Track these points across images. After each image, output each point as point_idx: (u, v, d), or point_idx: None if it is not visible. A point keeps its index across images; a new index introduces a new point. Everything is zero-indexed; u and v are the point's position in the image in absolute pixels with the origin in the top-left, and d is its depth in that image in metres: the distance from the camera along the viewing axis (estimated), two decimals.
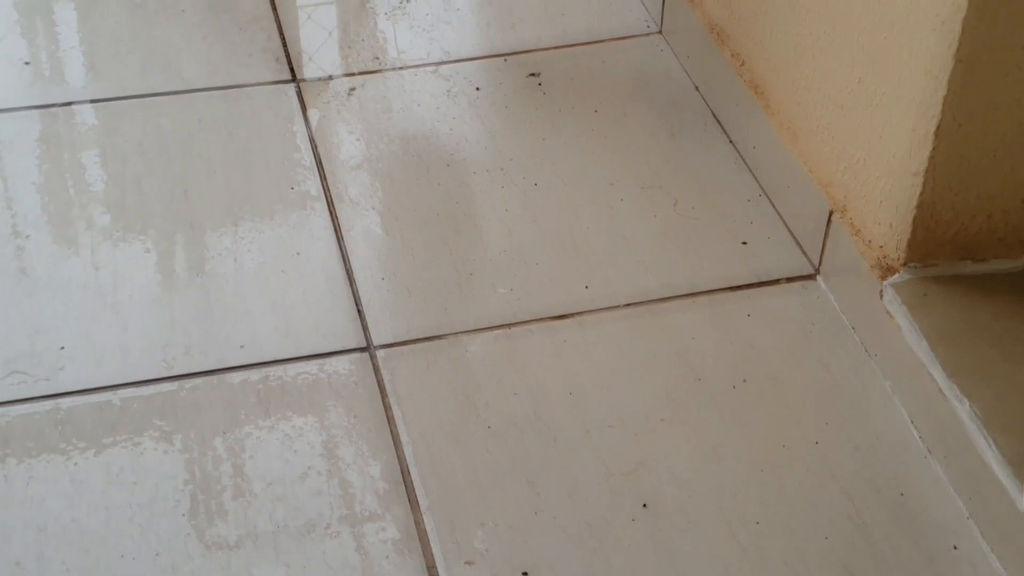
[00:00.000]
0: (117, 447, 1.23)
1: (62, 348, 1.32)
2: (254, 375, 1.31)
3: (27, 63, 1.69)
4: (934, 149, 1.21)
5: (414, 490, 1.20)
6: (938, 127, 1.20)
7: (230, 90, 1.66)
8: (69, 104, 1.63)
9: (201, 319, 1.36)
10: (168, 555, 1.14)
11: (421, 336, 1.35)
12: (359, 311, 1.37)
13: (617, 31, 1.77)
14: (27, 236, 1.45)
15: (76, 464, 1.21)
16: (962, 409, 1.18)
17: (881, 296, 1.29)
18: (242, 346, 1.33)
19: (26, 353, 1.31)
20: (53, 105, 1.62)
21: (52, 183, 1.52)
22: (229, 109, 1.63)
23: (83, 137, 1.59)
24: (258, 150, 1.57)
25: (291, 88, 1.66)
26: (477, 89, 1.67)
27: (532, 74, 1.70)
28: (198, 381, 1.30)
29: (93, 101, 1.64)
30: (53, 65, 1.70)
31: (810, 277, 1.42)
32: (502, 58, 1.73)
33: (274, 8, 1.79)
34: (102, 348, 1.32)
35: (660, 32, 1.75)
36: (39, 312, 1.36)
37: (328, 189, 1.52)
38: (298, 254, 1.44)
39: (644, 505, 1.19)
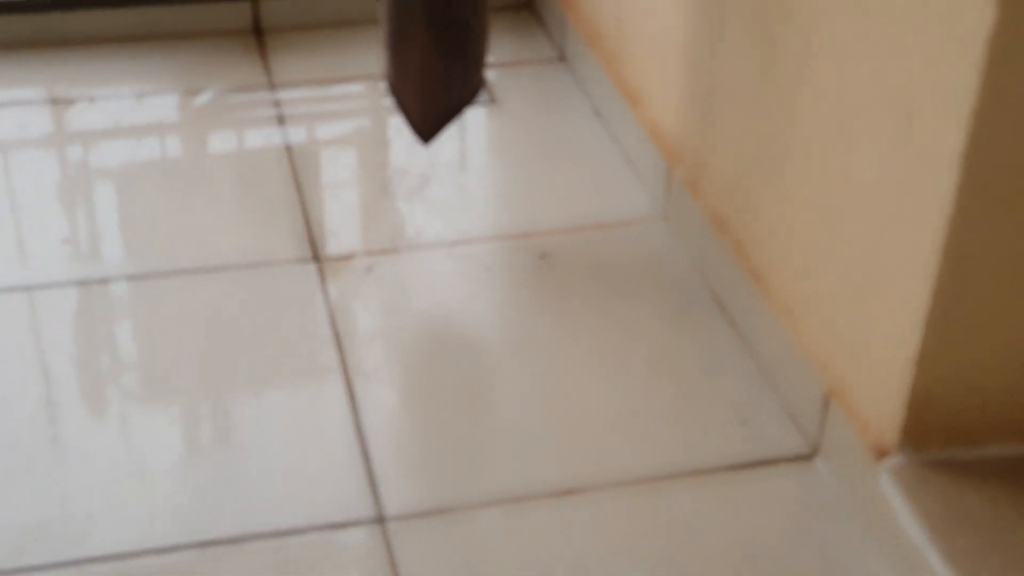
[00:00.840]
0: None
1: (89, 515, 1.37)
2: (271, 544, 1.35)
3: (66, 241, 1.79)
4: (924, 338, 1.28)
5: None
6: (927, 318, 1.27)
7: (256, 267, 1.74)
8: (105, 280, 1.71)
9: (223, 488, 1.41)
10: None
11: (432, 508, 1.40)
12: (372, 483, 1.43)
13: (623, 216, 1.86)
14: (60, 406, 1.52)
15: None
16: None
17: (877, 479, 1.34)
18: (260, 515, 1.38)
19: (56, 519, 1.36)
20: (90, 281, 1.71)
21: (86, 355, 1.60)
22: (255, 285, 1.71)
23: (118, 311, 1.67)
24: (280, 324, 1.65)
25: (313, 266, 1.75)
26: (489, 269, 1.76)
27: (541, 255, 1.79)
28: (218, 549, 1.34)
29: (128, 277, 1.72)
30: (91, 243, 1.80)
31: (809, 458, 1.48)
32: (513, 240, 1.82)
33: (299, 190, 1.89)
34: (128, 515, 1.37)
35: (664, 218, 1.85)
36: (69, 479, 1.41)
37: (345, 362, 1.59)
38: (316, 425, 1.50)
39: None
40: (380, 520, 1.38)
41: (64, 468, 1.43)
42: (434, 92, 1.71)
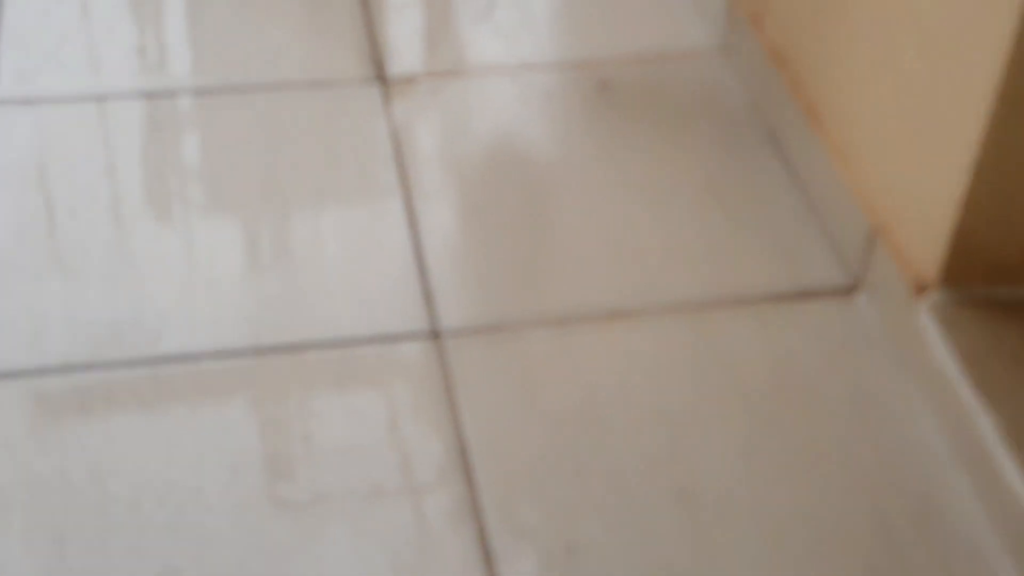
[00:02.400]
0: (207, 411, 1.35)
1: (159, 317, 1.45)
2: (330, 353, 1.43)
3: (138, 51, 1.83)
4: (973, 178, 1.30)
5: (471, 467, 1.31)
6: (978, 159, 1.29)
7: (321, 85, 1.78)
8: (173, 93, 1.76)
9: (285, 297, 1.48)
10: (248, 511, 1.26)
11: (485, 325, 1.46)
12: (429, 298, 1.49)
13: (685, 48, 1.87)
14: (129, 213, 1.58)
15: (170, 424, 1.34)
16: (986, 424, 1.27)
17: (916, 314, 1.38)
18: (319, 324, 1.45)
19: (128, 319, 1.44)
20: (158, 93, 1.76)
21: (154, 165, 1.66)
22: (319, 103, 1.75)
23: (184, 124, 1.72)
24: (343, 142, 1.69)
25: (377, 85, 1.78)
26: (549, 96, 1.78)
27: (601, 84, 1.80)
28: (280, 355, 1.42)
29: (195, 91, 1.77)
30: (160, 55, 1.84)
31: (850, 292, 1.51)
32: (574, 68, 1.83)
33: (366, 10, 1.91)
34: (195, 319, 1.45)
35: (725, 51, 1.85)
36: (139, 283, 1.49)
37: (405, 181, 1.64)
38: (376, 241, 1.56)
39: (681, 492, 1.30)
40: (435, 334, 1.45)
41: (134, 272, 1.50)
42: None
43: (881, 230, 1.46)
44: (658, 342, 1.45)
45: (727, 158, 1.69)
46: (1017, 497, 1.22)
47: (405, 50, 1.85)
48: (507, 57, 1.84)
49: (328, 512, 1.27)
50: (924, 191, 1.38)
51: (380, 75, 1.80)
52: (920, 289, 1.39)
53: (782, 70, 1.68)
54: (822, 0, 1.57)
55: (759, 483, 1.31)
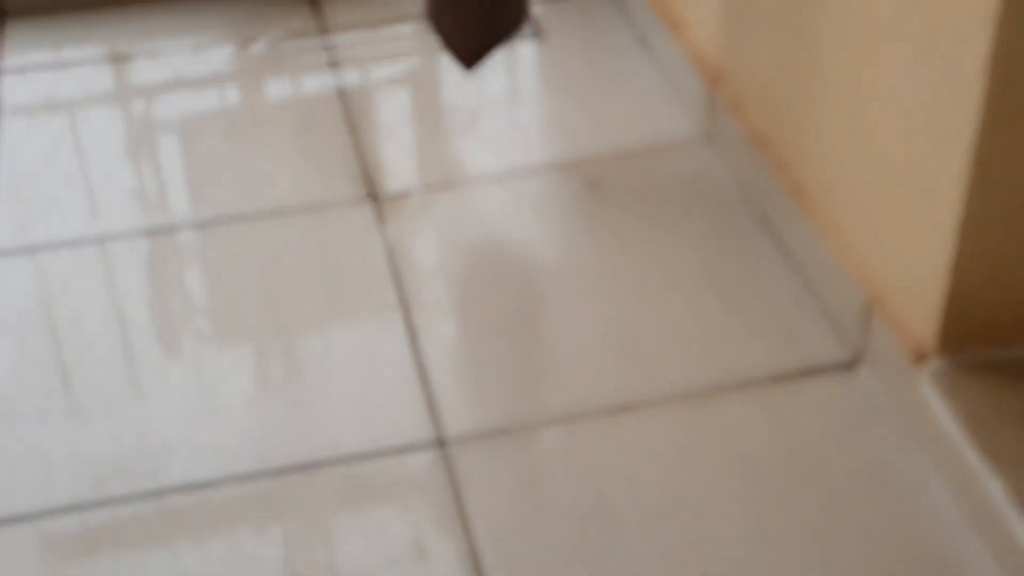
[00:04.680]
0: (218, 538, 1.35)
1: (166, 448, 1.46)
2: (339, 470, 1.43)
3: (134, 192, 1.87)
4: (959, 245, 1.31)
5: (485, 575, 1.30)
6: (961, 224, 1.30)
7: (315, 209, 1.81)
8: (173, 228, 1.80)
9: (290, 418, 1.49)
10: None
11: (491, 430, 1.46)
12: (433, 408, 1.49)
13: (669, 140, 1.89)
14: (135, 348, 1.60)
15: (180, 555, 1.34)
16: (995, 487, 1.26)
17: (917, 383, 1.38)
18: (327, 443, 1.45)
19: (135, 453, 1.45)
20: (158, 230, 1.79)
21: (158, 300, 1.68)
22: (315, 226, 1.78)
23: (186, 257, 1.76)
24: (341, 263, 1.72)
25: (369, 204, 1.81)
26: (540, 199, 1.81)
27: (591, 183, 1.83)
28: (290, 476, 1.42)
29: (194, 224, 1.80)
30: (158, 193, 1.88)
31: (851, 366, 1.51)
32: (563, 169, 1.86)
33: (354, 132, 1.95)
34: (203, 447, 1.46)
35: (708, 140, 1.87)
36: (146, 416, 1.50)
37: (404, 296, 1.65)
38: (378, 357, 1.57)
39: None
40: (441, 443, 1.45)
41: (141, 406, 1.51)
42: (474, 18, 1.74)
43: (877, 302, 1.47)
44: (665, 433, 1.45)
45: (720, 244, 1.70)
46: None
47: (395, 167, 1.89)
48: (496, 165, 1.87)
49: None
50: (914, 261, 1.39)
51: (372, 193, 1.83)
52: (919, 358, 1.39)
53: (766, 153, 1.70)
54: (799, 82, 1.60)
55: (777, 567, 1.30)
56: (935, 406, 1.34)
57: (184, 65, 2.11)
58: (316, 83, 2.07)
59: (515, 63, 2.09)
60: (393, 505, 1.39)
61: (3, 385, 1.54)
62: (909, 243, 1.39)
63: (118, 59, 2.13)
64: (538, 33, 2.14)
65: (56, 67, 2.12)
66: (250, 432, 1.47)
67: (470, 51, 1.76)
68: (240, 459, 1.44)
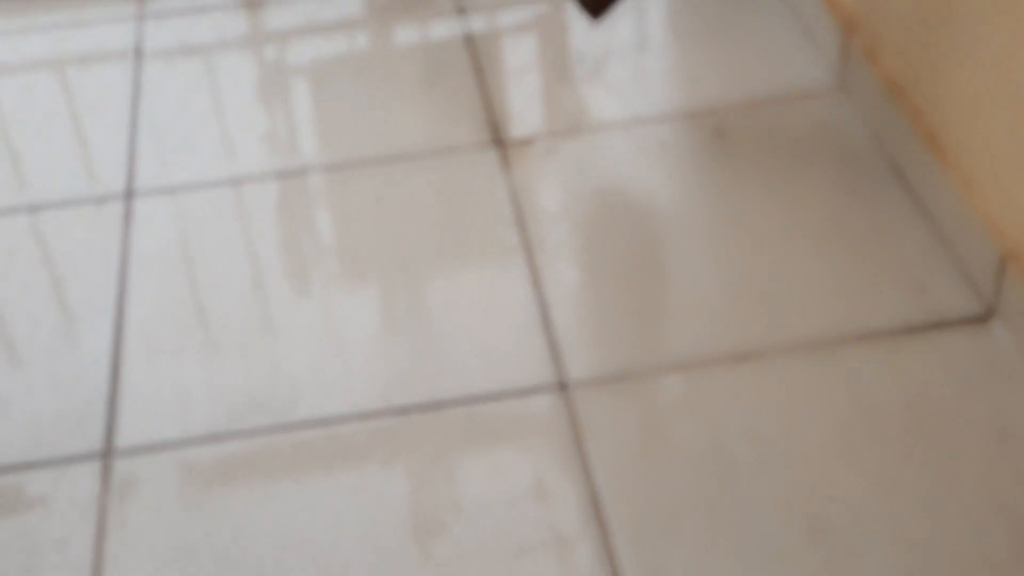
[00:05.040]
0: (345, 472, 1.39)
1: (296, 385, 1.50)
2: (462, 411, 1.45)
3: (266, 135, 1.91)
4: None
5: (605, 518, 1.32)
6: None
7: (442, 153, 1.83)
8: (303, 171, 1.84)
9: (415, 358, 1.52)
10: (392, 568, 1.29)
11: (612, 375, 1.47)
12: (555, 352, 1.51)
13: (800, 88, 1.86)
14: (267, 287, 1.65)
15: (310, 487, 1.38)
16: None
17: None
18: (451, 383, 1.48)
19: (267, 388, 1.50)
20: (289, 172, 1.84)
21: (289, 241, 1.72)
22: (441, 171, 1.80)
23: (315, 199, 1.79)
24: (466, 207, 1.74)
25: (495, 150, 1.83)
26: (665, 147, 1.80)
27: (718, 131, 1.81)
28: (414, 415, 1.45)
29: (324, 167, 1.84)
30: (289, 137, 1.92)
31: (984, 320, 1.48)
32: (689, 117, 1.84)
33: (480, 78, 1.96)
34: (331, 384, 1.50)
35: (841, 88, 1.84)
36: (277, 353, 1.55)
37: (527, 241, 1.67)
38: (501, 299, 1.59)
39: (817, 531, 1.28)
40: (563, 386, 1.46)
41: (273, 342, 1.56)
42: None
43: (1012, 255, 1.43)
44: (788, 382, 1.44)
45: (849, 195, 1.67)
46: None
47: (520, 113, 1.89)
48: (621, 112, 1.86)
49: (473, 570, 1.28)
50: None
51: (497, 139, 1.84)
52: None
53: (901, 103, 1.66)
54: (937, 29, 1.56)
55: (897, 518, 1.28)
56: None
57: (315, 11, 2.15)
58: (443, 29, 2.08)
59: (644, 9, 2.07)
60: (515, 446, 1.41)
61: (145, 321, 1.60)
62: None
63: (251, 5, 2.18)
64: None
65: (193, 12, 2.18)
66: (376, 371, 1.51)
67: (598, 2, 1.75)
68: (367, 397, 1.48)
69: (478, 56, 2.01)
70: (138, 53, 2.09)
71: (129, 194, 1.81)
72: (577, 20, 2.03)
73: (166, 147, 1.89)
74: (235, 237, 1.73)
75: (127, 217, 1.77)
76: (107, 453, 1.43)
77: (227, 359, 1.54)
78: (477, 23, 2.08)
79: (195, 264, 1.70)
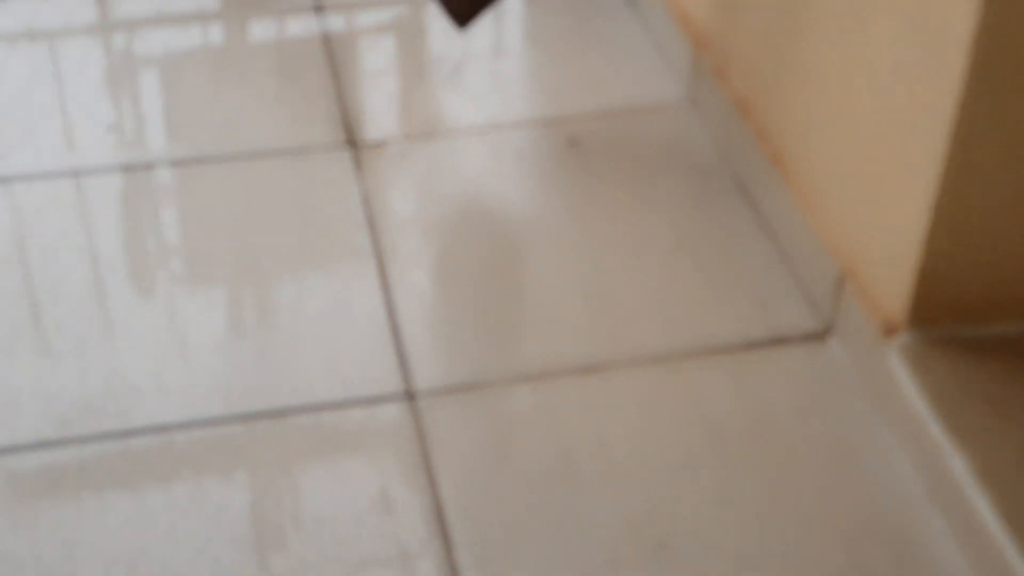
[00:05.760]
0: (183, 482, 1.36)
1: (135, 389, 1.45)
2: (307, 418, 1.43)
3: (111, 127, 1.85)
4: (933, 219, 1.31)
5: (450, 531, 1.31)
6: (936, 199, 1.30)
7: (294, 153, 1.80)
8: (149, 165, 1.78)
9: (260, 364, 1.49)
10: None
11: (460, 384, 1.47)
12: (403, 360, 1.49)
13: (651, 102, 1.89)
14: (108, 286, 1.60)
15: (144, 498, 1.34)
16: (958, 463, 1.27)
17: (886, 356, 1.39)
18: (296, 390, 1.46)
19: (102, 393, 1.45)
20: (135, 166, 1.78)
21: (132, 238, 1.67)
22: (293, 170, 1.77)
23: (161, 196, 1.74)
24: (317, 208, 1.71)
25: (348, 150, 1.80)
26: (519, 154, 1.80)
27: (571, 140, 1.82)
28: (258, 422, 1.42)
29: (171, 162, 1.79)
30: (136, 129, 1.86)
31: (822, 336, 1.52)
32: (544, 125, 1.85)
33: (336, 78, 1.93)
34: (171, 389, 1.45)
35: (691, 103, 1.87)
36: (116, 356, 1.50)
37: (378, 245, 1.65)
38: (350, 305, 1.57)
39: (659, 545, 1.30)
40: (410, 396, 1.45)
41: (110, 345, 1.51)
42: None
43: (849, 274, 1.47)
44: (633, 394, 1.46)
45: (696, 209, 1.70)
46: (991, 535, 1.22)
47: (375, 115, 1.87)
48: (476, 117, 1.86)
49: None
50: (888, 234, 1.39)
51: (351, 140, 1.82)
52: (889, 331, 1.40)
53: (747, 120, 1.70)
54: (783, 50, 1.60)
55: (737, 531, 1.31)
56: (902, 379, 1.35)
57: (168, 1, 2.08)
58: (300, 26, 2.05)
59: (502, 16, 2.07)
60: (360, 456, 1.39)
61: None
62: (884, 216, 1.40)
63: None
64: None
65: None
66: (219, 376, 1.47)
67: (464, 11, 1.75)
68: (208, 403, 1.44)
69: (335, 55, 1.98)
70: None
71: None
72: (436, 23, 2.02)
73: (3, 135, 1.82)
74: (74, 232, 1.67)
75: None
76: None
77: (61, 361, 1.49)
78: (335, 22, 2.05)
79: (30, 260, 1.63)
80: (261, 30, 2.06)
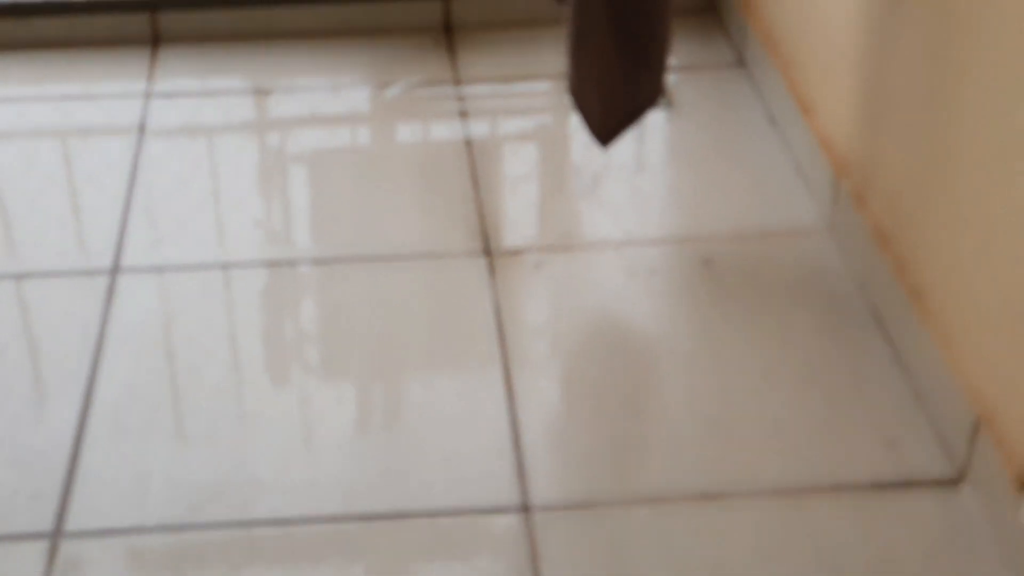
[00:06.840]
0: (300, 575, 1.38)
1: (261, 480, 1.49)
2: (424, 523, 1.44)
3: (260, 222, 1.92)
4: None
5: None
6: None
7: (431, 257, 1.84)
8: (293, 262, 1.84)
9: (382, 463, 1.51)
10: None
11: (577, 502, 1.46)
12: (522, 472, 1.50)
13: (789, 226, 1.88)
14: (245, 376, 1.64)
15: None
16: None
17: (1019, 508, 1.34)
18: (416, 493, 1.47)
19: (231, 481, 1.48)
20: (280, 262, 1.84)
21: (272, 331, 1.72)
22: (428, 274, 1.81)
23: (302, 291, 1.80)
24: (450, 314, 1.74)
25: (483, 259, 1.83)
26: (653, 271, 1.81)
27: (705, 260, 1.82)
28: (375, 522, 1.44)
29: (314, 260, 1.84)
30: (283, 225, 1.93)
31: (954, 483, 1.47)
32: (679, 243, 1.86)
33: (476, 184, 1.98)
34: (296, 483, 1.48)
35: (829, 229, 1.85)
36: (246, 445, 1.53)
37: (507, 353, 1.66)
38: (475, 412, 1.58)
39: None
40: (526, 508, 1.45)
41: (242, 434, 1.55)
42: (614, 97, 1.76)
43: (986, 420, 1.43)
44: (753, 526, 1.43)
45: (830, 339, 1.68)
46: None
47: (513, 223, 1.91)
48: (613, 231, 1.88)
49: None
50: None
51: (487, 248, 1.85)
52: (1023, 485, 1.35)
53: (886, 250, 1.68)
54: (926, 179, 1.58)
55: None
56: None
57: (320, 102, 2.17)
58: (445, 131, 2.10)
59: (643, 130, 2.10)
60: (472, 565, 1.40)
61: (116, 399, 1.59)
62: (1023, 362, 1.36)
63: (259, 92, 2.20)
64: (669, 103, 2.15)
65: (201, 94, 2.20)
66: (342, 472, 1.50)
67: (608, 128, 1.78)
68: (329, 499, 1.46)
69: (476, 161, 2.02)
70: (142, 129, 2.11)
71: (115, 269, 1.81)
72: (578, 133, 2.06)
73: (159, 225, 1.90)
74: (217, 322, 1.73)
75: (110, 292, 1.77)
76: (56, 534, 1.42)
77: (193, 447, 1.53)
78: (478, 128, 2.10)
79: (173, 346, 1.70)
80: (407, 133, 2.13)
